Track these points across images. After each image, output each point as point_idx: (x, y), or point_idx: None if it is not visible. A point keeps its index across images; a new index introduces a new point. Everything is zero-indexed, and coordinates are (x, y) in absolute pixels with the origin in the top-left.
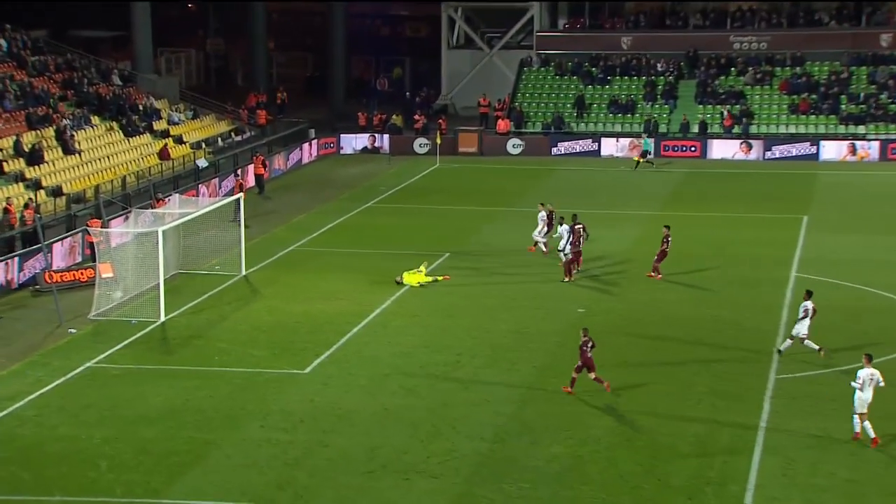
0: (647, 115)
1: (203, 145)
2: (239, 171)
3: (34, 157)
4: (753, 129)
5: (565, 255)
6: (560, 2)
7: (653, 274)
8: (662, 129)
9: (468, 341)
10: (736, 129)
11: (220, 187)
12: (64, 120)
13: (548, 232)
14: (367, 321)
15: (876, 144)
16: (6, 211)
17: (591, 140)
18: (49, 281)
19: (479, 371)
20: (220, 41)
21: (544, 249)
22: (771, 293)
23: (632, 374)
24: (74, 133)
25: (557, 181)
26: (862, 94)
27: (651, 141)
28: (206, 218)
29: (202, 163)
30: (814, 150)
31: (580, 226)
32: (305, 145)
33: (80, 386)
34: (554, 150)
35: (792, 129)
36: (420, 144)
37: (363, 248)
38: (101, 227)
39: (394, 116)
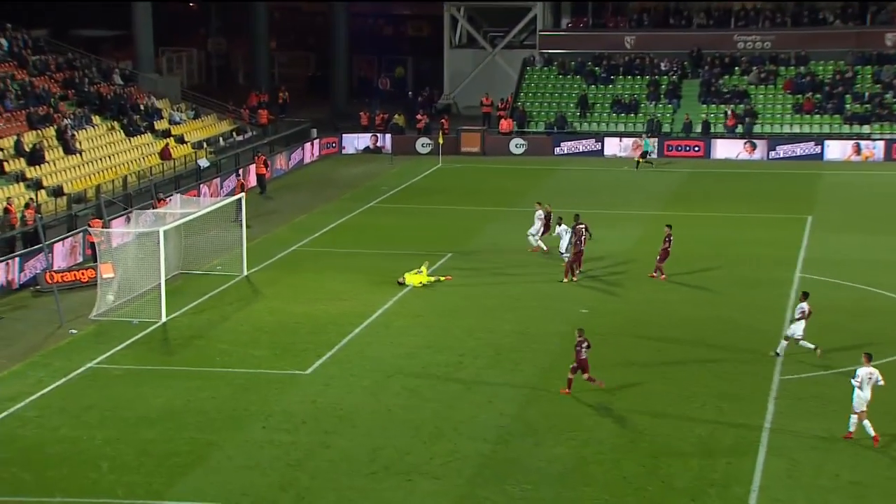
0: (651, 114)
1: (204, 145)
2: (240, 171)
3: (35, 157)
4: (757, 129)
5: (567, 255)
6: (563, 1)
7: (655, 275)
8: (666, 128)
9: (471, 342)
10: (739, 129)
11: (221, 187)
12: (65, 119)
13: (544, 232)
14: (369, 321)
15: (881, 144)
16: (7, 211)
17: (594, 140)
18: (50, 281)
19: (481, 372)
20: (222, 40)
21: (544, 248)
22: (775, 294)
23: (635, 374)
24: (75, 133)
25: (560, 181)
26: (866, 94)
27: (651, 141)
28: (207, 218)
29: (204, 163)
30: (818, 149)
31: (582, 225)
32: (307, 145)
33: (81, 387)
34: (557, 149)
35: (796, 129)
36: (422, 144)
37: (365, 249)
38: (102, 228)
39: (396, 116)
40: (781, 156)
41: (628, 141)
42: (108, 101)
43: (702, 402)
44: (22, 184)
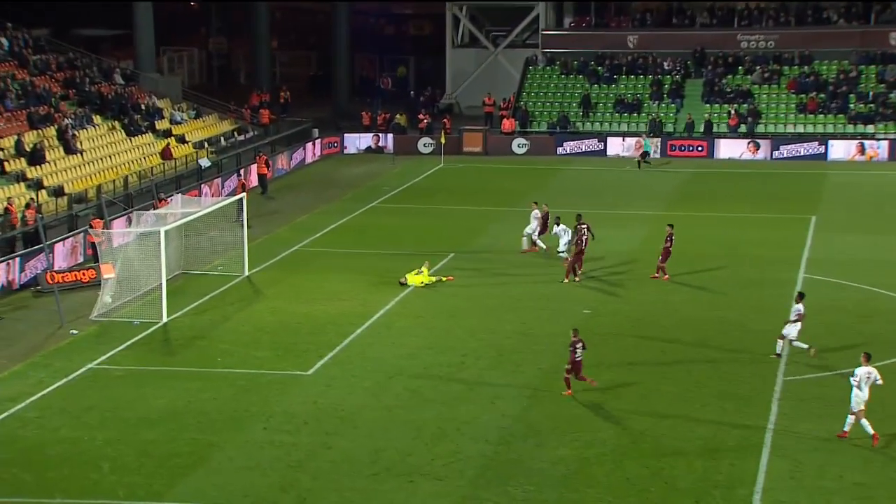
0: (654, 114)
1: (206, 145)
2: (242, 171)
3: (36, 157)
4: (761, 129)
5: (565, 254)
6: (566, 0)
7: (657, 275)
8: (669, 128)
9: (473, 342)
10: (742, 129)
11: (222, 187)
12: (66, 119)
13: (542, 232)
14: (370, 322)
15: (885, 144)
16: (7, 211)
17: (596, 140)
18: (50, 281)
19: (483, 372)
20: (223, 40)
21: (543, 247)
22: (778, 294)
23: (638, 375)
24: (76, 132)
25: (563, 181)
26: (871, 93)
27: (651, 141)
28: (208, 218)
29: (205, 162)
30: (822, 149)
31: (584, 226)
32: (309, 145)
33: (81, 387)
34: (559, 149)
35: (800, 129)
36: (424, 144)
37: (367, 249)
38: (103, 228)
39: (398, 116)
40: (785, 156)
41: (631, 140)
42: (108, 101)
43: (705, 402)
44: (22, 184)
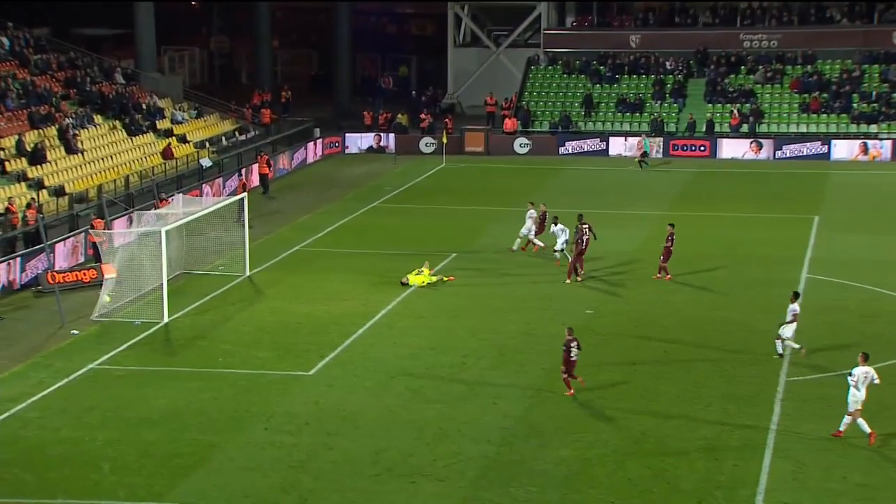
0: (656, 114)
1: (207, 144)
2: (243, 171)
3: (36, 157)
4: (764, 129)
5: (562, 253)
6: (568, 0)
7: (659, 276)
8: (671, 128)
9: (474, 343)
10: (744, 128)
11: (223, 187)
12: (66, 119)
13: (539, 232)
14: (372, 322)
15: (888, 143)
16: (8, 211)
17: (598, 139)
18: (51, 281)
19: (485, 373)
20: (224, 39)
21: (542, 245)
22: (781, 294)
23: (640, 375)
24: (77, 132)
25: (565, 181)
26: (874, 93)
27: (650, 141)
28: (209, 218)
29: (206, 162)
30: (825, 149)
31: (586, 226)
32: (310, 144)
33: (82, 388)
34: (561, 149)
35: (803, 129)
36: (426, 144)
37: (368, 249)
38: (104, 228)
39: (399, 115)
40: (788, 155)
41: (633, 140)
42: (109, 101)
43: (707, 403)
44: (23, 183)
